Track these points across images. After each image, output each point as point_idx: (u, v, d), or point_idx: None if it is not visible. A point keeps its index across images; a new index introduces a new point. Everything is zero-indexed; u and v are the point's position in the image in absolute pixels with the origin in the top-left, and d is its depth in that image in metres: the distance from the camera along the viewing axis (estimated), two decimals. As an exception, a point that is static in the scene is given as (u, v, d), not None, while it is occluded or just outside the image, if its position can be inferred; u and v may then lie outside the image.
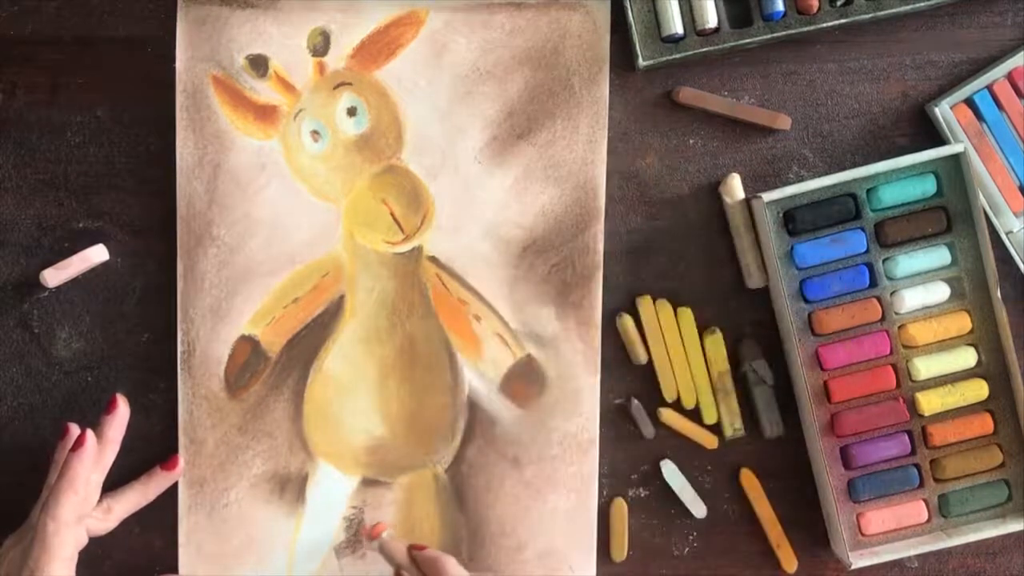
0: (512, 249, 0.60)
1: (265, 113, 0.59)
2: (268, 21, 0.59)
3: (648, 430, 0.60)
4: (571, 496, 0.60)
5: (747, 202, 0.59)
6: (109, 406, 0.57)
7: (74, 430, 0.58)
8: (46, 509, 0.52)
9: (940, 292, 0.58)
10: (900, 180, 0.58)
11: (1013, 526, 0.58)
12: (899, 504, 0.59)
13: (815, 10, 0.58)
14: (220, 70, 0.59)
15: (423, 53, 0.59)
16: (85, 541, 0.55)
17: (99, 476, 0.56)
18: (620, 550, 0.60)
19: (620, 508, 0.60)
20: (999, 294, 0.57)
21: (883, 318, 0.58)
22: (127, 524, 0.58)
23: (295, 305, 0.60)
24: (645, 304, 0.60)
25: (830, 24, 0.58)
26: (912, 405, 0.59)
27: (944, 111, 0.59)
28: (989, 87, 0.59)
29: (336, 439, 0.60)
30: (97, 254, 0.59)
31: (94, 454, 0.54)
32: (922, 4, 0.58)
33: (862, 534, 0.59)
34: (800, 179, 0.60)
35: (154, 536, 0.60)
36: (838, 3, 0.58)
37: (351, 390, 0.60)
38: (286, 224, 0.59)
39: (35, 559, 0.51)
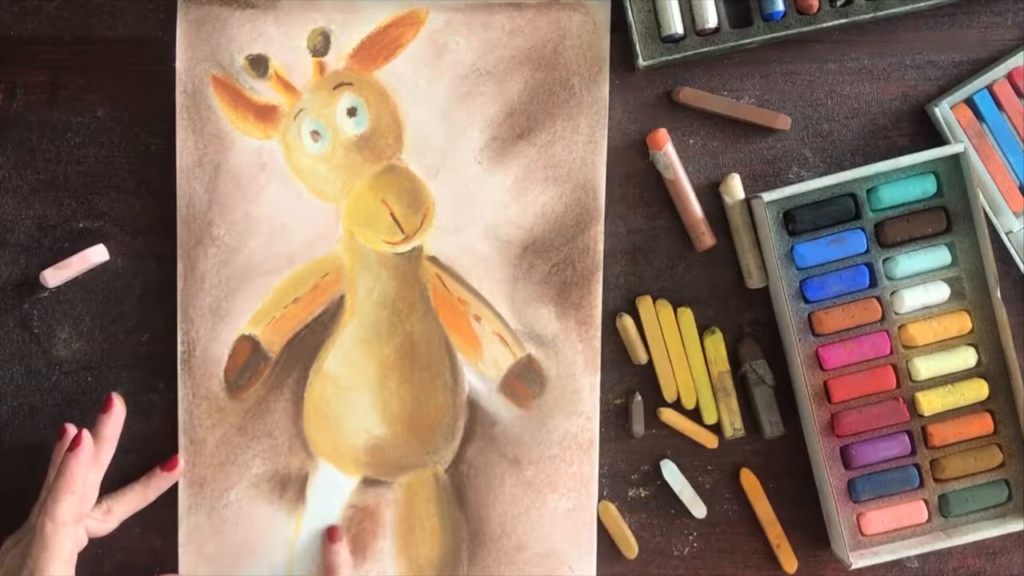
0: (512, 249, 0.60)
1: (265, 113, 0.59)
2: (268, 21, 0.59)
3: (638, 428, 0.60)
4: (571, 496, 0.60)
5: (747, 202, 0.59)
6: (105, 405, 0.57)
7: (71, 430, 0.58)
8: (44, 509, 0.52)
9: (940, 292, 0.58)
10: (900, 180, 0.58)
11: (1013, 526, 0.58)
12: (899, 504, 0.59)
13: (815, 10, 0.58)
14: (220, 70, 0.59)
15: (423, 53, 0.59)
16: (84, 542, 0.55)
17: (97, 475, 0.56)
18: (629, 548, 0.60)
19: (607, 510, 0.60)
20: (999, 294, 0.57)
21: (883, 318, 0.58)
22: (127, 524, 0.58)
23: (295, 305, 0.60)
24: (645, 304, 0.60)
25: (830, 24, 0.58)
26: (912, 405, 0.59)
27: (944, 111, 0.59)
28: (989, 87, 0.59)
29: (336, 439, 0.60)
30: (97, 254, 0.59)
31: (91, 454, 0.54)
32: (922, 4, 0.58)
33: (862, 534, 0.59)
34: (800, 179, 0.60)
35: (154, 536, 0.60)
36: (838, 3, 0.58)
37: (351, 390, 0.60)
38: (286, 224, 0.59)
39: (34, 559, 0.51)
